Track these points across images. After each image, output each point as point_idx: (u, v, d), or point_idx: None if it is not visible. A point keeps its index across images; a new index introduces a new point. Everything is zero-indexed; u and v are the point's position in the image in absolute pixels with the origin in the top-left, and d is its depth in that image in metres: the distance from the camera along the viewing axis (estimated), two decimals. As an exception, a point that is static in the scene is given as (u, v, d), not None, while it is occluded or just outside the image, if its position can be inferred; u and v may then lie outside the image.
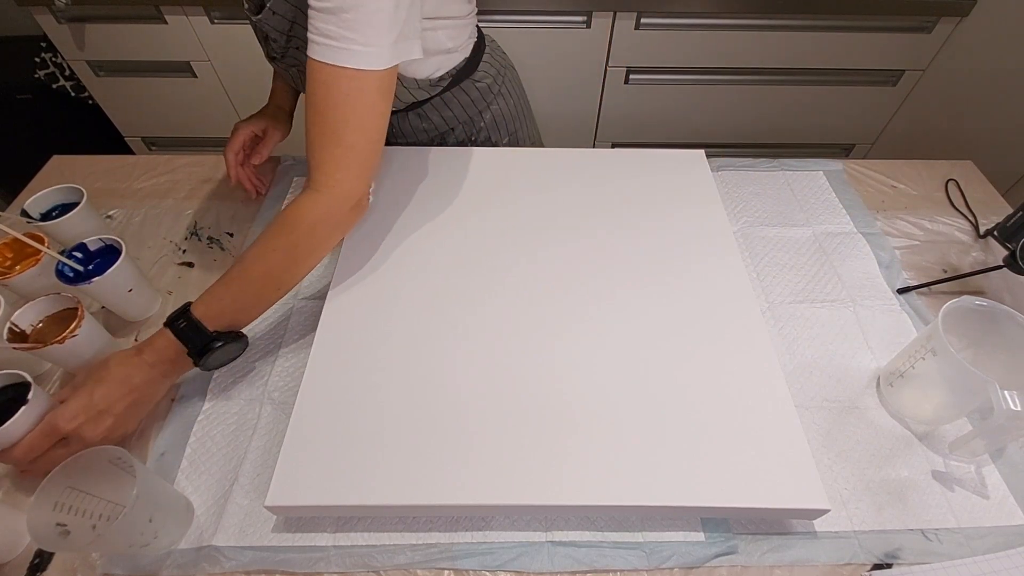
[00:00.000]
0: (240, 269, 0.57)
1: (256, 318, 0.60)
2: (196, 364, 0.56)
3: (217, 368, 0.60)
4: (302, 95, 0.84)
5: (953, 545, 0.51)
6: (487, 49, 0.81)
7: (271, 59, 0.73)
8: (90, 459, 0.47)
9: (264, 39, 0.69)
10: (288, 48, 0.69)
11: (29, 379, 0.51)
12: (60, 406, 0.51)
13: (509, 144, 0.89)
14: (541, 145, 0.99)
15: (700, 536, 0.52)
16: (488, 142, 0.86)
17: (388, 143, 0.84)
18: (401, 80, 0.70)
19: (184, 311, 0.55)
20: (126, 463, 0.48)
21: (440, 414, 0.54)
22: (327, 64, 0.52)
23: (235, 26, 1.35)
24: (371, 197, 0.62)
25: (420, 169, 0.78)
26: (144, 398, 0.56)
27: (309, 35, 0.52)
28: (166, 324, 0.55)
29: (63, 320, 0.58)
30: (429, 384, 0.57)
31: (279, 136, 0.84)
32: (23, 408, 0.49)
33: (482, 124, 0.84)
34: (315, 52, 0.52)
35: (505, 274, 0.66)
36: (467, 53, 0.76)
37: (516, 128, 0.89)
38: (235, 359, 0.61)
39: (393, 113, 0.68)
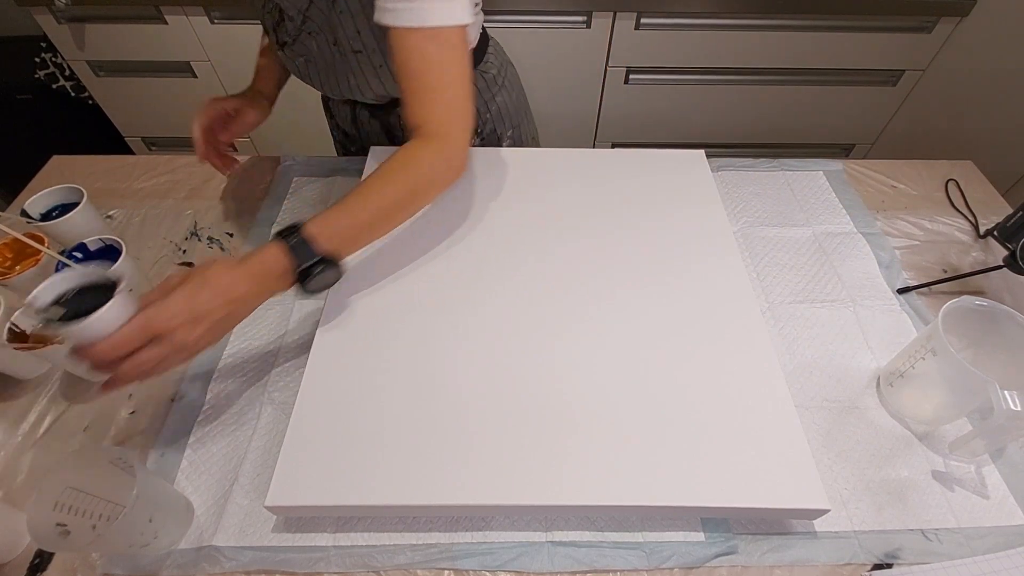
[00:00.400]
0: (358, 198, 0.57)
1: (359, 250, 0.60)
2: (297, 282, 0.55)
3: (313, 294, 0.58)
4: (295, 79, 0.83)
5: (953, 545, 0.51)
6: (490, 42, 0.81)
7: (281, 45, 0.73)
8: (90, 459, 0.47)
9: (277, 22, 0.68)
10: (300, 32, 0.68)
11: (116, 277, 0.48)
12: (158, 304, 0.48)
13: (513, 137, 0.89)
14: (539, 144, 0.99)
15: (700, 536, 0.52)
16: (493, 134, 0.86)
17: (401, 139, 0.85)
18: None
19: (294, 229, 0.55)
20: (126, 463, 0.48)
21: (440, 414, 0.54)
22: (412, 28, 0.55)
23: (235, 26, 1.35)
24: None
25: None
26: (238, 312, 0.53)
27: (384, 5, 0.55)
28: (276, 237, 0.55)
29: (63, 320, 0.58)
30: (429, 384, 0.57)
31: (254, 116, 0.78)
32: (113, 300, 0.45)
33: (488, 116, 0.84)
34: (397, 19, 0.55)
35: (505, 274, 0.66)
36: (475, 43, 0.76)
37: (519, 122, 0.89)
38: (329, 287, 0.60)
39: None
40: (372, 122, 0.84)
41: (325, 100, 0.91)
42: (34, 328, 0.58)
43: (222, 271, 0.51)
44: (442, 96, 0.59)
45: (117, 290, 0.46)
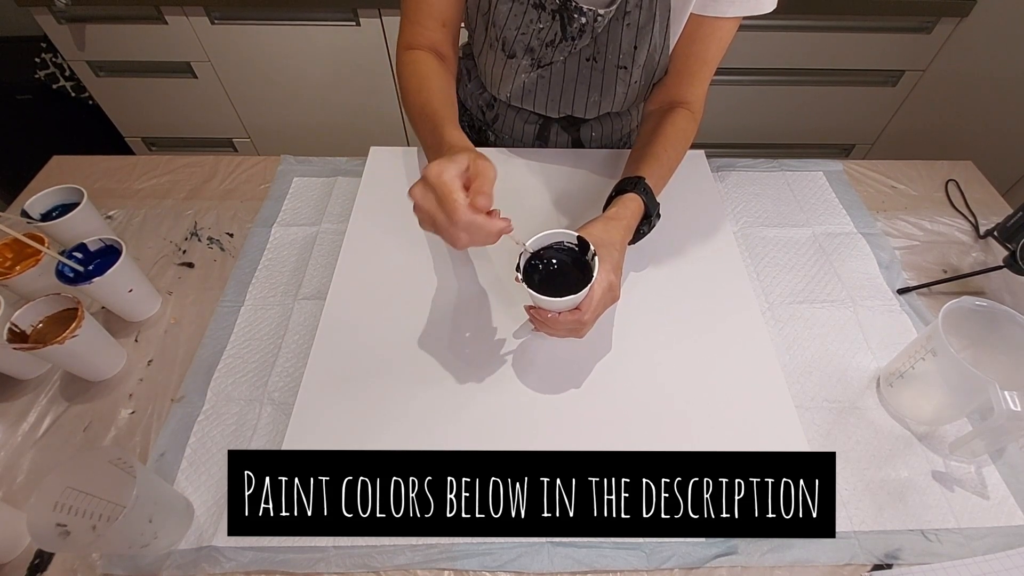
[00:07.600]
0: (656, 152, 0.65)
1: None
2: (638, 231, 0.62)
3: (635, 243, 0.64)
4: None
5: (953, 545, 0.51)
6: None
7: (538, 64, 0.70)
8: (90, 459, 0.47)
9: (551, 41, 0.66)
10: (573, 50, 0.67)
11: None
12: (594, 296, 0.53)
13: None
14: None
15: (700, 536, 0.52)
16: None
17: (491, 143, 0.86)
18: None
19: (636, 181, 0.61)
20: (126, 463, 0.48)
21: (443, 418, 0.54)
22: (733, 18, 0.63)
23: (235, 26, 1.35)
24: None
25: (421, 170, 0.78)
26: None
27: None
28: (627, 191, 0.61)
29: (63, 320, 0.58)
30: (431, 386, 0.57)
31: (490, 167, 0.50)
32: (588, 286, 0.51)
33: None
34: (729, 10, 0.63)
35: (504, 272, 0.66)
36: None
37: None
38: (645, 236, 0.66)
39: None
40: (561, 135, 0.84)
41: (472, 112, 0.87)
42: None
43: (623, 241, 0.58)
44: (709, 78, 0.69)
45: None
